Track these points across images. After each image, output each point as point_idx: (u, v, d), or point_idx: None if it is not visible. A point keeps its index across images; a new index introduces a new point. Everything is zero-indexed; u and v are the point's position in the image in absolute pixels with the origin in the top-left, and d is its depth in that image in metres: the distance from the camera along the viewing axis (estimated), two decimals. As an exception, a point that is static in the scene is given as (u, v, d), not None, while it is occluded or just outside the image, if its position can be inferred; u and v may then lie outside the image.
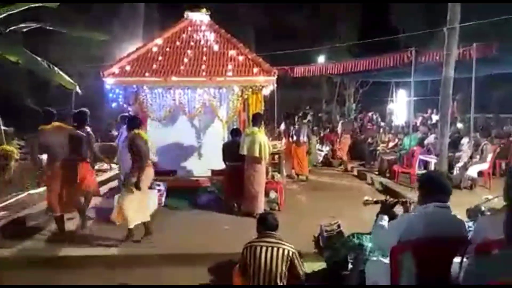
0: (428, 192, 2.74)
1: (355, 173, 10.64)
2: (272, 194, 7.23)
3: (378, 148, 11.14)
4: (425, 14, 15.56)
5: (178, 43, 8.00)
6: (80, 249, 5.16)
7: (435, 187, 2.71)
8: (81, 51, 13.45)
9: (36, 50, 8.60)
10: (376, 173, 9.89)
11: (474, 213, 3.35)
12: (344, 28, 19.08)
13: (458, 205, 3.90)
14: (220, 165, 7.17)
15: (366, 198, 3.53)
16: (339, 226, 4.50)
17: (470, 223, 3.48)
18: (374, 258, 3.06)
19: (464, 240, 2.63)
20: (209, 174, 7.71)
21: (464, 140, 9.20)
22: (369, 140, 12.14)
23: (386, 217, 3.01)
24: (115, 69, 7.41)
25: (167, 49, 7.87)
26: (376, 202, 3.39)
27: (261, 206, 6.57)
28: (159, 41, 7.97)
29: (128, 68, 7.45)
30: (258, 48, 13.70)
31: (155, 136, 7.87)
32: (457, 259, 2.60)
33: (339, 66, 11.65)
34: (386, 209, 3.06)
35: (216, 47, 7.92)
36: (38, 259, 4.93)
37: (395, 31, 15.04)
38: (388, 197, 3.23)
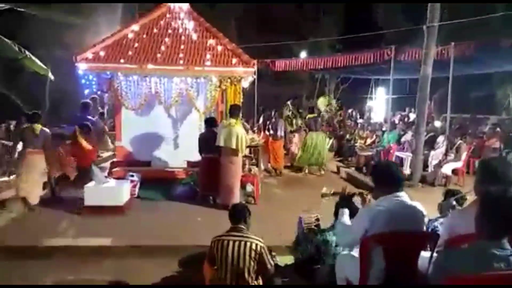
0: (382, 183, 2.72)
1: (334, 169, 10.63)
2: (249, 187, 7.14)
3: (356, 144, 11.19)
4: (408, 14, 15.71)
5: (155, 30, 7.76)
6: (47, 239, 4.99)
7: (388, 178, 2.69)
8: (59, 37, 12.99)
9: (9, 34, 8.21)
10: (353, 169, 9.93)
11: (445, 207, 3.35)
12: (327, 24, 19.10)
13: (432, 202, 3.91)
14: (196, 156, 7.03)
15: (324, 190, 3.48)
16: (318, 220, 4.46)
17: (442, 219, 3.48)
18: (344, 252, 3.01)
19: (428, 234, 2.62)
20: (184, 165, 7.56)
21: (440, 139, 9.33)
22: (348, 136, 12.19)
23: (346, 211, 2.98)
24: (89, 54, 7.13)
25: (144, 36, 7.63)
26: (334, 194, 3.35)
27: (236, 199, 6.46)
28: (135, 27, 7.72)
29: (102, 53, 7.18)
30: (239, 40, 13.52)
31: (130, 125, 7.72)
32: (426, 254, 2.57)
33: (320, 61, 11.67)
34: (345, 201, 3.03)
35: (194, 36, 7.73)
36: (4, 249, 4.74)
37: (379, 29, 15.12)
38: (346, 187, 3.18)
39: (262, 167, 9.43)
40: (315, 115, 10.16)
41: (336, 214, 3.59)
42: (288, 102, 15.86)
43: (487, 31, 9.83)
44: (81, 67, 7.11)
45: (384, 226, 2.50)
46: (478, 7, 8.85)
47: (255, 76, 7.95)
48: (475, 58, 9.08)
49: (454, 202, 3.17)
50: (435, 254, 2.53)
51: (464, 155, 8.41)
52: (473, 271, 1.85)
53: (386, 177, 2.69)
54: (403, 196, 2.63)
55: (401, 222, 2.52)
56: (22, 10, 8.32)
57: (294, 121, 12.65)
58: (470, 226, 2.10)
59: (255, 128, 12.02)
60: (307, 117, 10.18)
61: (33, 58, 8.24)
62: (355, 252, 2.80)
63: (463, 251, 2.05)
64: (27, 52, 8.14)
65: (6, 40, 7.45)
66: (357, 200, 3.19)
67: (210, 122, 6.80)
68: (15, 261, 4.48)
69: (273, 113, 10.28)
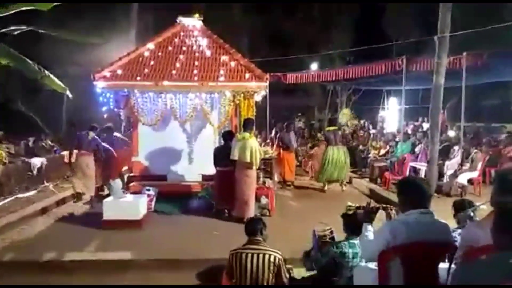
0: (408, 198, 2.67)
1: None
2: (263, 200, 7.19)
3: (370, 155, 11.16)
4: (418, 25, 15.75)
5: (170, 47, 7.98)
6: (68, 254, 5.11)
7: (415, 193, 2.64)
8: (74, 55, 13.35)
9: (27, 53, 8.49)
10: (367, 180, 9.90)
11: (463, 219, 3.35)
12: (338, 36, 19.23)
13: (448, 212, 3.91)
14: (211, 170, 7.12)
15: (348, 204, 3.46)
16: (332, 233, 4.44)
17: (459, 230, 3.47)
18: (362, 264, 3.02)
19: (449, 245, 2.61)
20: (199, 179, 7.67)
21: (455, 148, 9.26)
22: (361, 147, 12.17)
23: (370, 227, 2.95)
24: (106, 72, 7.37)
25: (159, 53, 7.85)
26: (358, 208, 3.34)
27: (251, 211, 6.53)
28: (151, 45, 7.95)
29: (119, 71, 7.41)
30: (251, 54, 13.73)
31: (146, 140, 7.88)
32: (445, 265, 2.58)
33: (331, 73, 11.70)
34: (369, 215, 3.01)
35: (208, 52, 7.91)
36: (26, 264, 4.88)
37: (389, 40, 15.16)
38: (370, 202, 3.16)
39: (276, 179, 9.45)
40: (336, 128, 9.60)
41: (346, 228, 3.55)
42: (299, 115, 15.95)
43: (500, 41, 9.78)
44: (99, 85, 7.33)
45: (406, 238, 2.49)
46: (490, 19, 8.81)
47: (268, 90, 8.04)
48: (489, 67, 9.03)
49: (472, 213, 3.17)
50: (453, 266, 2.54)
51: (479, 165, 8.33)
52: (492, 282, 1.87)
53: (415, 192, 2.64)
54: (429, 212, 2.60)
55: (423, 234, 2.50)
56: (43, 31, 8.60)
57: (312, 132, 12.49)
58: (487, 237, 2.12)
59: (268, 141, 12.07)
60: (326, 130, 9.65)
61: (52, 77, 8.49)
62: (373, 265, 2.82)
63: (481, 262, 2.07)
64: (46, 72, 8.39)
65: (28, 60, 7.70)
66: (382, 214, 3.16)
67: (227, 135, 6.87)
68: (35, 276, 4.58)
69: (284, 125, 10.22)
